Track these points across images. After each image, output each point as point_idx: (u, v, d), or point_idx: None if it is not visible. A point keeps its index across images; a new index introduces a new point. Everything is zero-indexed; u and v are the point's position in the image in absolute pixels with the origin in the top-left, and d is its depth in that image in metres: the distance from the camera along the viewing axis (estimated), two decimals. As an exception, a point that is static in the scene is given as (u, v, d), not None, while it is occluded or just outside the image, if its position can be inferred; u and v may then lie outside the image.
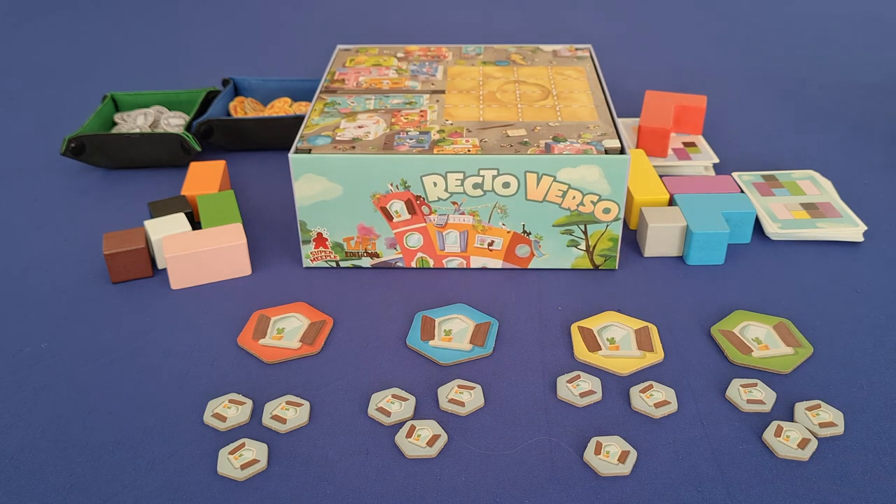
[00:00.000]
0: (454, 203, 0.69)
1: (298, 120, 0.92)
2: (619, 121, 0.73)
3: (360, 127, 0.72)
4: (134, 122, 0.95)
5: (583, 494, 0.50)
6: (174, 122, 0.95)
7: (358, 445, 0.54)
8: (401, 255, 0.72)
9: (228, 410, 0.56)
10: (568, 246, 0.71)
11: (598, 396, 0.57)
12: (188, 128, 0.92)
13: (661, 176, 0.86)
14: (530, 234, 0.70)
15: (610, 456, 0.52)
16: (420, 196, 0.68)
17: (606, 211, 0.69)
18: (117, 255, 0.70)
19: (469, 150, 0.68)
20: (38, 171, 0.91)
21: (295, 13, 1.46)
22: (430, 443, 0.53)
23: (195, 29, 1.40)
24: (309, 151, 0.68)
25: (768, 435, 0.53)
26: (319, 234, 0.71)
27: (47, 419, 0.56)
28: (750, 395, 0.57)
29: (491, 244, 0.71)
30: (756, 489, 0.50)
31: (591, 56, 0.88)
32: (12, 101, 1.11)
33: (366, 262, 0.73)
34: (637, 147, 0.88)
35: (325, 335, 0.64)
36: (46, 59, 1.27)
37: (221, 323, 0.66)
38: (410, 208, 0.69)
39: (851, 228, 0.75)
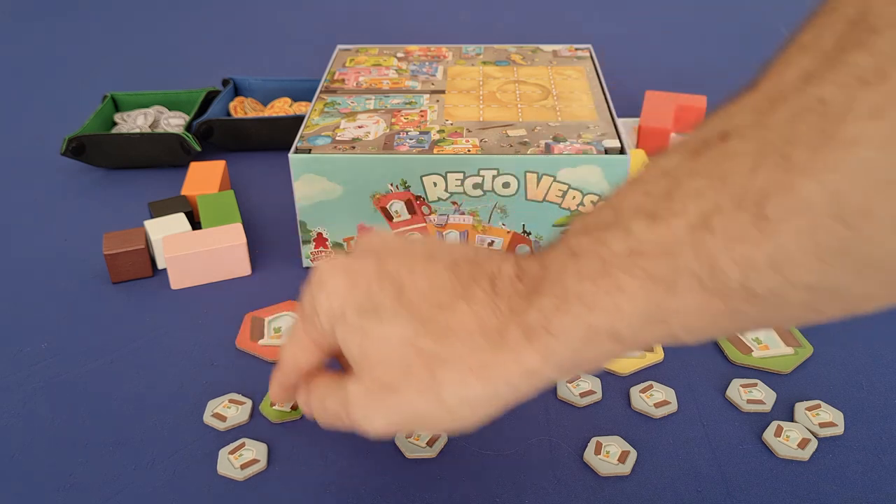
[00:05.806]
0: (454, 203, 0.69)
1: (298, 120, 0.92)
2: (619, 121, 0.73)
3: (360, 127, 0.72)
4: (134, 122, 0.95)
5: (583, 494, 0.50)
6: (174, 122, 0.95)
7: (357, 446, 0.54)
8: (401, 255, 0.72)
9: (228, 410, 0.56)
10: (568, 246, 0.71)
11: (598, 396, 0.57)
12: (188, 128, 0.92)
13: (661, 176, 0.86)
14: (530, 234, 0.70)
15: (610, 456, 0.52)
16: (420, 196, 0.68)
17: (606, 211, 0.69)
18: (117, 255, 0.70)
19: (469, 150, 0.68)
20: (38, 171, 0.91)
21: (295, 13, 1.46)
22: (430, 443, 0.53)
23: (195, 29, 1.40)
24: (309, 151, 0.68)
25: (768, 435, 0.53)
26: (319, 234, 0.71)
27: (47, 419, 0.56)
28: (750, 395, 0.57)
29: (491, 244, 0.71)
30: (756, 489, 0.50)
31: (591, 56, 0.88)
32: (13, 102, 1.11)
33: (366, 262, 0.72)
34: (637, 147, 0.88)
35: (324, 333, 0.64)
36: (46, 59, 1.27)
37: (221, 323, 0.66)
38: (410, 208, 0.69)
39: (851, 228, 0.75)
